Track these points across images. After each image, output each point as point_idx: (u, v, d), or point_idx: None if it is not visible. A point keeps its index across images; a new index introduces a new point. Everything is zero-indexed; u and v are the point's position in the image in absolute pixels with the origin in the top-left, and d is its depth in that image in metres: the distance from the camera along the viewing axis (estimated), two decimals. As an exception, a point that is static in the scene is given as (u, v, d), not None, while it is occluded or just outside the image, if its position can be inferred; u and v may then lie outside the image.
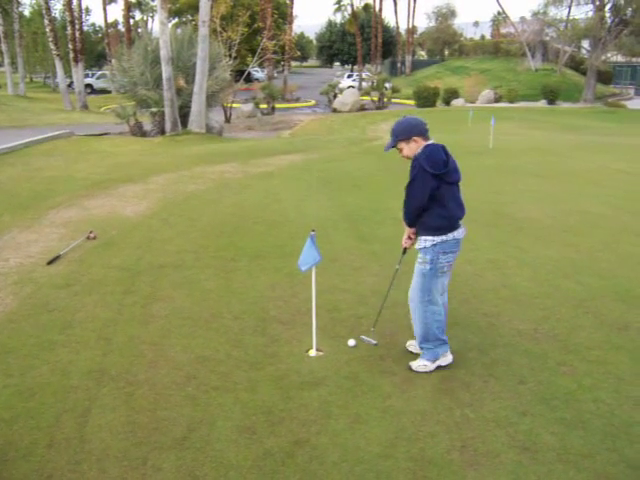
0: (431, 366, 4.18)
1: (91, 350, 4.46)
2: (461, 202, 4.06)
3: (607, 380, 4.06)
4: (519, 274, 6.18)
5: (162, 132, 19.32)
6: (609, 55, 45.96)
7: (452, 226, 3.97)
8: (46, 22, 32.16)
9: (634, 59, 50.94)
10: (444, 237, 3.95)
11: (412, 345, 4.44)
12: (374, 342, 4.54)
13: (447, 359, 4.23)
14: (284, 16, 49.17)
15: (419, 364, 4.21)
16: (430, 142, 3.99)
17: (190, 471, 3.15)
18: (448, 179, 3.92)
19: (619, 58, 51.02)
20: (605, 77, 48.14)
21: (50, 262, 6.40)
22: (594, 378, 4.09)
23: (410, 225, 4.12)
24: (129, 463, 3.21)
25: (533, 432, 3.48)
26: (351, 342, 4.57)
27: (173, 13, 53.24)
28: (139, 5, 70.32)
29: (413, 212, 4.01)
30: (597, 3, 40.19)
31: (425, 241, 3.99)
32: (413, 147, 3.98)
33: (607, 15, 40.63)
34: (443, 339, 4.18)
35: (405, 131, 4.00)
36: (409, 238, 4.20)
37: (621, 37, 39.91)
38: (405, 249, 4.31)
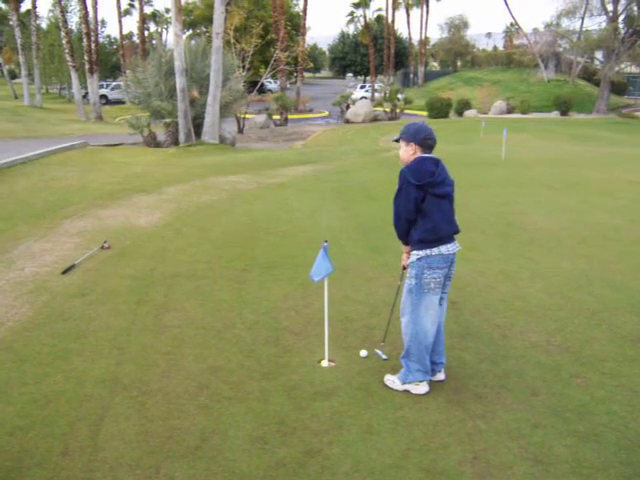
0: (399, 386, 4.07)
1: (105, 359, 4.50)
2: (451, 217, 3.93)
3: (621, 392, 4.04)
4: (531, 285, 6.16)
5: (176, 143, 19.48)
6: (623, 66, 45.82)
7: (437, 240, 3.84)
8: (62, 34, 32.68)
9: (648, 70, 50.78)
10: (428, 251, 3.84)
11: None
12: (384, 357, 4.52)
13: (420, 389, 4.03)
14: (297, 28, 49.50)
15: (389, 378, 4.16)
16: (434, 155, 3.93)
17: (202, 480, 3.16)
18: (434, 191, 3.79)
19: (633, 69, 50.82)
20: (619, 88, 47.96)
21: (65, 271, 6.46)
22: (607, 390, 4.06)
23: (402, 240, 4.05)
24: (142, 472, 3.23)
25: (546, 444, 3.46)
26: (363, 353, 4.57)
27: (187, 25, 53.82)
28: (154, 17, 71.16)
29: (400, 225, 3.95)
30: (610, 14, 40.12)
31: (412, 255, 3.94)
32: (408, 152, 3.92)
33: (620, 26, 40.56)
34: (425, 364, 4.00)
35: (409, 133, 3.94)
36: (407, 257, 4.09)
37: (635, 48, 39.74)
38: (404, 267, 4.16)
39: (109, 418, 3.72)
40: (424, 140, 3.91)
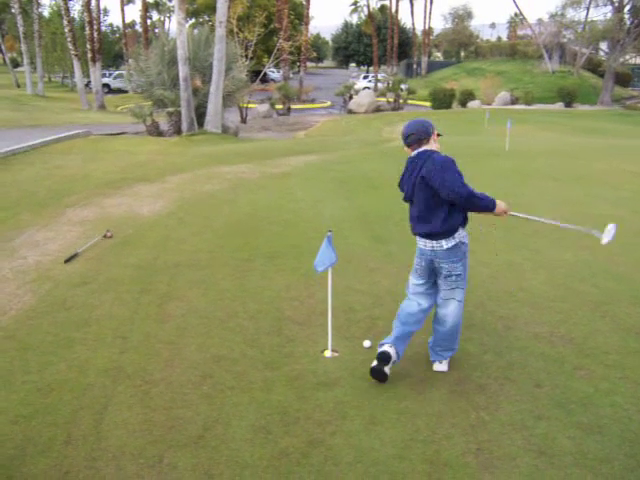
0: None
1: (108, 348, 4.50)
2: (413, 216, 4.06)
3: (624, 385, 4.03)
4: (535, 277, 6.14)
5: (178, 132, 19.42)
6: (628, 57, 45.57)
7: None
8: (65, 23, 32.54)
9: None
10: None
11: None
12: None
13: (381, 349, 4.03)
14: (300, 17, 49.31)
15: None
16: (414, 153, 3.97)
17: (206, 470, 3.17)
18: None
19: (638, 60, 50.53)
20: (623, 79, 47.67)
21: (68, 260, 6.46)
22: (611, 382, 4.05)
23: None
24: (145, 461, 3.23)
25: (549, 436, 3.46)
26: (366, 343, 4.57)
27: (190, 14, 53.59)
28: (157, 6, 70.81)
29: None
30: (616, 4, 39.85)
31: None
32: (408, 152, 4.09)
33: (626, 16, 40.26)
34: (394, 328, 4.14)
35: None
36: None
37: (640, 39, 39.52)
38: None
39: (112, 407, 3.72)
40: (403, 137, 4.03)
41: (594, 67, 49.54)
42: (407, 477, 3.12)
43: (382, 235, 7.55)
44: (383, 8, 70.26)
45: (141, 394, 3.88)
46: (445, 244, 3.89)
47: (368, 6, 59.09)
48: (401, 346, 4.06)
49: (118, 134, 19.85)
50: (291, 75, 48.95)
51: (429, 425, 3.56)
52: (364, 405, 3.77)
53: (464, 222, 3.98)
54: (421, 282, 4.10)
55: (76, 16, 46.33)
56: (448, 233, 3.87)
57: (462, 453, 3.30)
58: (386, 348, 4.00)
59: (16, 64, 60.67)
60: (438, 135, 4.02)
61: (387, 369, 4.00)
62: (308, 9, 47.60)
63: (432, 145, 3.95)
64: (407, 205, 4.15)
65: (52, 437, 3.41)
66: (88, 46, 33.06)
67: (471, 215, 3.98)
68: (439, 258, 3.94)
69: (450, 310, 4.06)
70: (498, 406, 3.77)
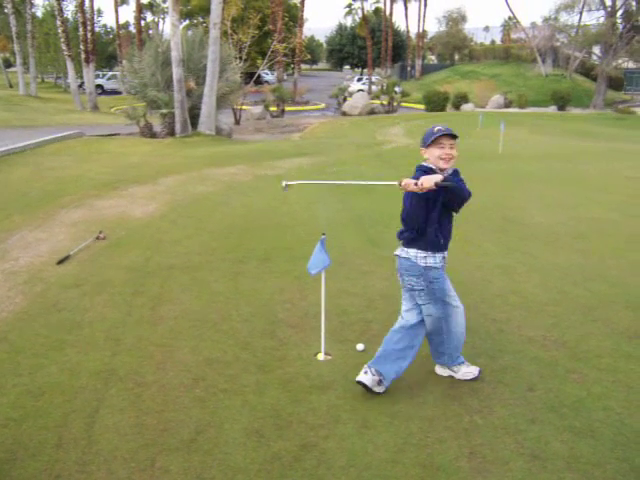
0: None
1: (100, 350, 4.47)
2: None
3: (617, 388, 4.03)
4: (528, 280, 6.15)
5: (172, 133, 19.40)
6: (620, 61, 45.89)
7: None
8: (58, 23, 32.49)
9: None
10: None
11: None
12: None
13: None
14: (295, 19, 49.35)
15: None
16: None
17: (198, 474, 3.14)
18: None
19: (630, 64, 50.83)
20: (616, 83, 47.98)
21: (60, 262, 6.42)
22: (604, 386, 4.05)
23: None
24: (137, 464, 3.21)
25: (542, 440, 3.45)
26: (360, 346, 4.55)
27: (184, 15, 53.51)
28: (150, 7, 70.67)
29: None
30: (609, 9, 40.12)
31: None
32: None
33: (619, 21, 40.61)
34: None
35: None
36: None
37: (632, 43, 39.88)
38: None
39: (104, 410, 3.69)
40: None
41: (587, 71, 49.87)
42: (400, 481, 3.11)
43: (376, 238, 7.55)
44: (377, 11, 70.51)
45: (133, 397, 3.85)
46: (400, 252, 3.81)
47: (362, 9, 59.33)
48: (386, 365, 3.84)
49: (111, 135, 19.81)
50: (285, 77, 49.02)
51: (422, 429, 3.55)
52: (357, 409, 3.76)
53: (423, 243, 3.68)
54: (406, 295, 3.92)
55: (70, 17, 46.23)
56: (404, 243, 3.78)
57: (455, 457, 3.30)
58: (360, 376, 3.86)
59: (8, 64, 60.43)
60: (454, 137, 3.61)
61: (377, 390, 3.89)
62: (302, 11, 47.61)
63: (427, 158, 3.68)
64: (400, 208, 4.08)
65: (43, 440, 3.38)
66: (82, 47, 33.01)
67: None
68: (401, 268, 3.80)
69: (425, 319, 3.97)
70: (491, 410, 3.76)
